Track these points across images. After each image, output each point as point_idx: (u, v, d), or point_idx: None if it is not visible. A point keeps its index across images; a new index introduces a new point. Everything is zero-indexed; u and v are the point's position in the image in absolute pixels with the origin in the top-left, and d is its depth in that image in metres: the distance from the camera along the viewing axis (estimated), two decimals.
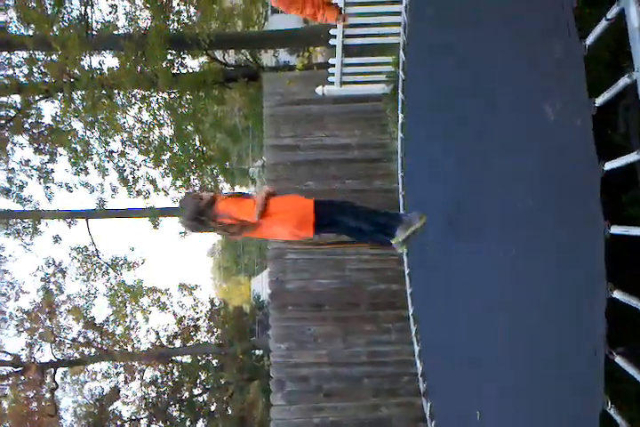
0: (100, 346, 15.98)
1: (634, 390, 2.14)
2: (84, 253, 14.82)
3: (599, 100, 2.14)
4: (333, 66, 7.90)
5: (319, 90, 7.98)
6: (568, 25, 2.25)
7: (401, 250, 3.56)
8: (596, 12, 3.10)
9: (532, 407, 3.09)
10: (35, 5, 9.84)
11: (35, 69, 11.81)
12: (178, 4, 11.28)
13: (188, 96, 12.43)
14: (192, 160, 12.94)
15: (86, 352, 16.15)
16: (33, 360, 15.53)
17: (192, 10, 11.72)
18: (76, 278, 15.44)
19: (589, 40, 2.18)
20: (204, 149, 13.39)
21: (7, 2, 11.02)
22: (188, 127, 12.80)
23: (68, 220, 13.89)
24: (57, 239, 13.85)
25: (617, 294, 2.16)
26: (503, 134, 3.30)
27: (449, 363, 5.36)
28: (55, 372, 16.42)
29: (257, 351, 16.37)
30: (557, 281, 2.71)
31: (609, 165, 2.13)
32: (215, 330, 17.07)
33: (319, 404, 7.87)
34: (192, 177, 13.24)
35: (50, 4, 10.23)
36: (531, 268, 3.02)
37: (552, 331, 2.79)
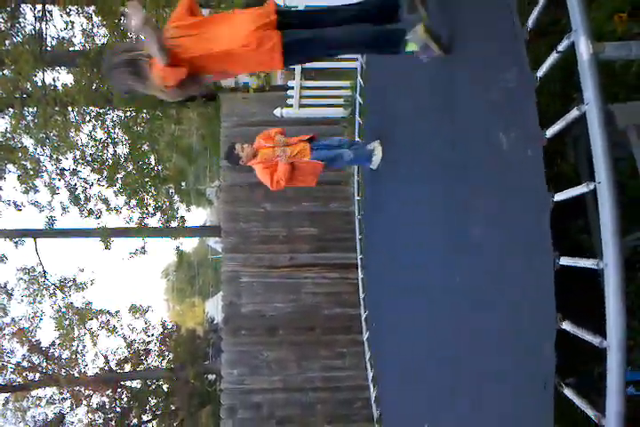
0: (45, 371, 15.34)
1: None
2: (31, 273, 14.30)
3: (549, 132, 2.15)
4: (292, 88, 7.92)
5: (277, 112, 7.99)
6: (520, 57, 2.27)
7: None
8: (545, 42, 3.17)
9: None
10: None
11: None
12: None
13: (144, 115, 12.24)
14: (147, 179, 12.70)
15: (30, 377, 15.47)
16: None
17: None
18: (22, 300, 14.85)
19: (541, 72, 2.21)
20: (160, 168, 13.18)
21: None
22: (144, 146, 12.59)
23: (16, 239, 13.40)
24: (3, 259, 13.33)
25: (566, 326, 2.15)
26: (459, 160, 3.32)
27: (402, 386, 5.31)
28: None
29: (209, 376, 16.00)
30: (507, 311, 2.70)
31: (558, 197, 2.13)
32: (167, 354, 16.62)
33: None
34: (146, 196, 12.99)
35: (2, 19, 9.99)
36: (480, 298, 3.01)
37: (503, 362, 2.77)
